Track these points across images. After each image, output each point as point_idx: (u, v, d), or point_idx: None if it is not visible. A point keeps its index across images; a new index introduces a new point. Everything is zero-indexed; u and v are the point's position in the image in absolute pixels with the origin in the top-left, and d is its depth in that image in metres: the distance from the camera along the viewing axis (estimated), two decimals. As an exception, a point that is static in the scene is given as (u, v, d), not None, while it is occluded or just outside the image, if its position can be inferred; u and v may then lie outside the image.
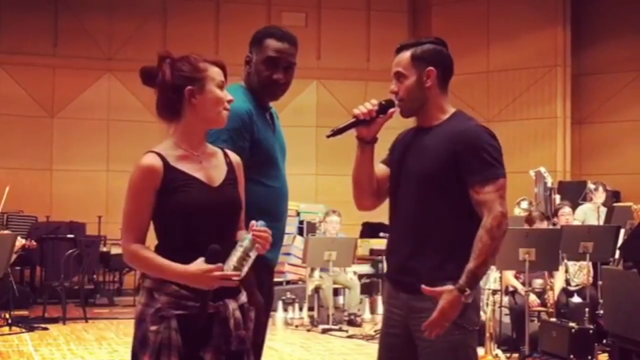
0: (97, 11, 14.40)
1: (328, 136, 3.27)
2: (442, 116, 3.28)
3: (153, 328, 2.87)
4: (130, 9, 14.58)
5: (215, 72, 3.02)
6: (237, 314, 2.98)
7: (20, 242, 9.64)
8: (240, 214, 3.06)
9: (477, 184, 3.12)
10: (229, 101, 3.03)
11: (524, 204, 11.18)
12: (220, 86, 3.02)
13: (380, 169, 3.44)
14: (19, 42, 14.03)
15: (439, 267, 3.16)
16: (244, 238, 2.85)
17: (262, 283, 3.35)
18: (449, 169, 3.15)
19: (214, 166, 3.06)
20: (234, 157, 3.14)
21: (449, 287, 3.05)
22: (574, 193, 11.97)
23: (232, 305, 2.97)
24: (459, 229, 3.16)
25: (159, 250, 2.94)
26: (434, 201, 3.18)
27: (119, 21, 14.50)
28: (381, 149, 3.47)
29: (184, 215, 2.89)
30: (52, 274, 11.64)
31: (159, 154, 2.97)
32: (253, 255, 2.86)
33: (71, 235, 12.11)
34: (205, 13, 14.96)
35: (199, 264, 2.83)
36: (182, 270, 2.85)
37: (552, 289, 8.34)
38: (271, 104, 3.62)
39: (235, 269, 2.82)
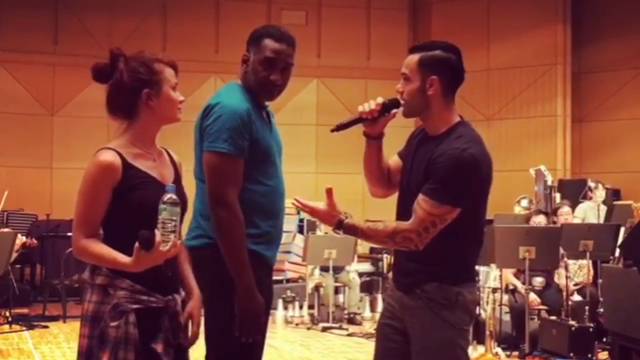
0: (97, 9, 14.39)
1: (332, 131, 3.35)
2: (443, 128, 3.25)
3: (114, 324, 2.89)
4: (130, 7, 14.58)
5: (169, 73, 3.08)
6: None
7: (20, 239, 9.63)
8: (185, 211, 3.11)
9: (422, 194, 3.14)
10: (181, 102, 3.09)
11: (524, 202, 11.19)
12: (174, 87, 3.07)
13: (396, 160, 3.51)
14: (19, 40, 14.01)
15: (426, 271, 3.21)
16: (159, 210, 2.84)
17: (262, 281, 3.35)
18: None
19: (165, 165, 3.14)
20: (176, 158, 3.24)
21: (339, 214, 3.26)
22: (574, 191, 11.97)
23: (179, 299, 3.05)
24: (447, 240, 3.17)
25: (110, 244, 2.95)
26: None
27: (119, 19, 14.49)
28: (388, 145, 3.50)
29: (141, 213, 2.90)
30: (53, 272, 11.65)
31: (116, 151, 2.99)
32: (176, 219, 2.85)
33: (71, 234, 12.11)
34: (205, 11, 14.95)
35: (139, 254, 2.83)
36: (130, 262, 2.85)
37: (560, 289, 8.35)
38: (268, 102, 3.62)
39: (163, 242, 2.82)
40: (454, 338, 3.22)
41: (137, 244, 2.82)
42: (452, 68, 3.27)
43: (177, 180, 3.14)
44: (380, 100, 3.31)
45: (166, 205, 2.83)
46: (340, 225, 3.25)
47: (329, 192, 3.27)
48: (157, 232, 2.81)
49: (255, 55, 3.45)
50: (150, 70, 3.04)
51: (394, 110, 3.32)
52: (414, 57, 3.26)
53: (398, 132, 3.87)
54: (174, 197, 2.85)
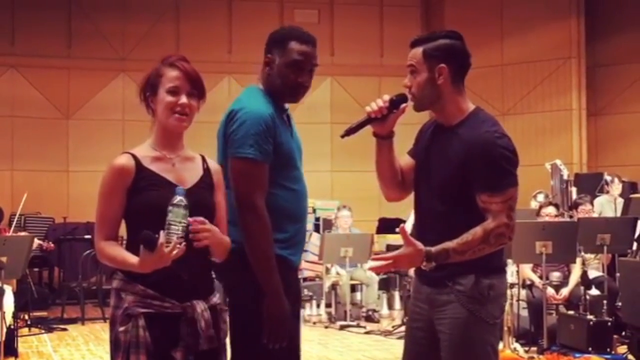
0: (110, 12, 14.44)
1: (342, 136, 3.28)
2: (460, 115, 3.23)
3: (122, 328, 2.91)
4: (143, 9, 14.61)
5: (169, 77, 3.05)
6: (207, 314, 3.00)
7: (35, 242, 9.66)
8: (211, 217, 3.06)
9: (484, 193, 3.10)
10: (181, 105, 3.03)
11: (540, 197, 11.13)
12: (172, 91, 3.04)
13: (406, 160, 3.45)
14: (33, 45, 14.07)
15: (461, 263, 3.12)
16: (167, 212, 2.85)
17: (290, 285, 3.35)
18: (463, 177, 3.13)
19: (188, 169, 3.12)
20: (213, 164, 3.21)
21: (421, 246, 3.05)
22: (591, 185, 11.92)
23: (200, 306, 3.00)
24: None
25: (128, 247, 2.99)
26: (455, 204, 3.16)
27: (132, 21, 14.53)
28: (400, 143, 3.46)
29: (151, 212, 2.91)
30: (70, 275, 11.70)
31: (132, 155, 3.05)
32: (182, 222, 2.85)
33: (88, 236, 12.14)
34: (217, 12, 14.97)
35: (144, 255, 2.85)
36: (137, 262, 2.88)
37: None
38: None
39: (167, 242, 2.82)
40: (485, 334, 3.17)
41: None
42: (458, 54, 3.24)
43: (204, 184, 3.11)
44: (387, 97, 3.27)
45: (172, 207, 2.84)
46: (430, 257, 3.07)
47: (404, 230, 3.09)
48: (162, 233, 2.82)
49: (281, 58, 3.42)
50: (156, 72, 3.08)
51: (403, 105, 3.28)
52: (418, 50, 3.23)
53: (407, 130, 3.81)
54: (183, 199, 2.85)
